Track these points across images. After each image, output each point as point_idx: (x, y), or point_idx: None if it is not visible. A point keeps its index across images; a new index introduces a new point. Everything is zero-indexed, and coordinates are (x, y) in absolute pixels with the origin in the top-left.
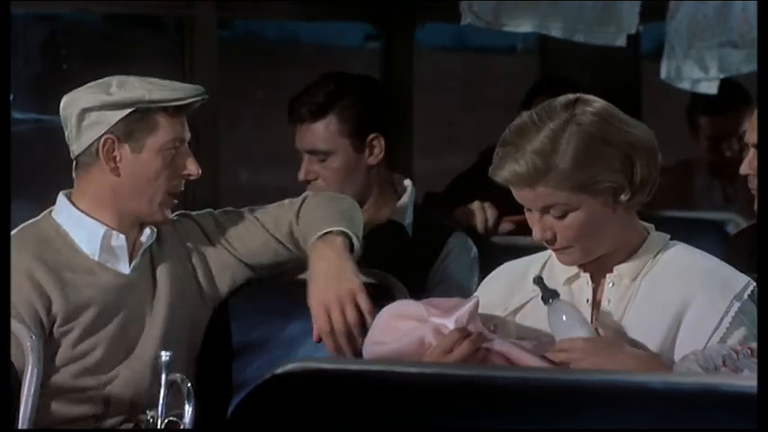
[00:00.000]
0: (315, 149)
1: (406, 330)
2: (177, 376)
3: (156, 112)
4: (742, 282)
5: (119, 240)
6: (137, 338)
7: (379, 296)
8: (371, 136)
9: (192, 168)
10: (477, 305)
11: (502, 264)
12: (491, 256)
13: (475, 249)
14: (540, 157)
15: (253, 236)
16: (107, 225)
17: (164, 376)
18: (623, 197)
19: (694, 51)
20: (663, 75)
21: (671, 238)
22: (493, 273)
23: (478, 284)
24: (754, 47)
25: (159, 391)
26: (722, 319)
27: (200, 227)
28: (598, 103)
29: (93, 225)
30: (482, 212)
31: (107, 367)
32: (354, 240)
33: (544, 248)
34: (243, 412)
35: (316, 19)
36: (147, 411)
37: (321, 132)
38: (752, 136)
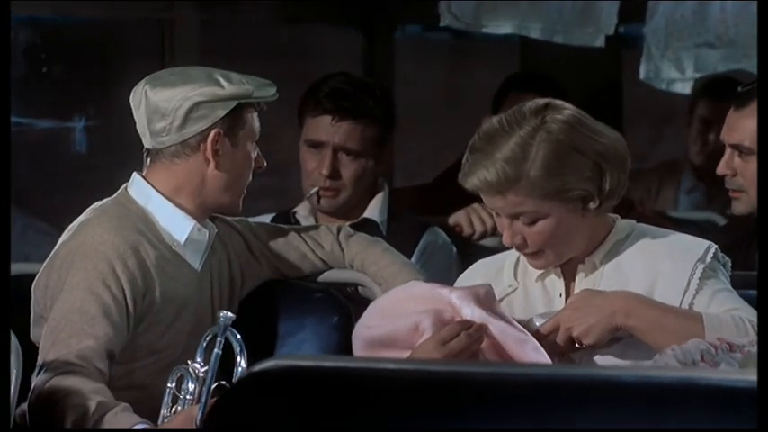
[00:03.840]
0: (346, 148)
1: (405, 314)
2: (229, 332)
3: (247, 108)
4: (703, 246)
5: (200, 235)
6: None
7: (360, 297)
8: (386, 148)
9: (262, 162)
10: (492, 290)
11: (476, 259)
12: (467, 252)
13: (452, 246)
14: (510, 165)
15: (294, 249)
16: (190, 215)
17: (220, 338)
18: (592, 205)
19: (671, 52)
20: (642, 75)
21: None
22: (468, 270)
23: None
24: (730, 47)
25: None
26: (689, 282)
27: (238, 233)
28: (568, 110)
29: (182, 215)
30: (470, 227)
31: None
32: None
33: None
34: (221, 410)
35: (296, 22)
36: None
37: (359, 133)
38: (729, 136)
